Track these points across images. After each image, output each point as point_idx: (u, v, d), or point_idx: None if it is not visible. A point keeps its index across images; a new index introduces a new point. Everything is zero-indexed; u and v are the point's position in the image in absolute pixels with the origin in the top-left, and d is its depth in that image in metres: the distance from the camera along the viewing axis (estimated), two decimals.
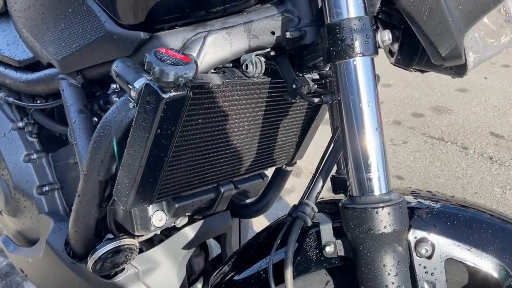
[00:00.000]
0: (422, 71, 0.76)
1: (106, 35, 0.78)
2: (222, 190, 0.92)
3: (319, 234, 0.66)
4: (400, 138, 2.87)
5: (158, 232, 0.97)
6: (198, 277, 1.13)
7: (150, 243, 1.01)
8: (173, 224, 0.96)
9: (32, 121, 1.09)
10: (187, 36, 0.75)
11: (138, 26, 0.75)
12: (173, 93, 0.63)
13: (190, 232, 0.97)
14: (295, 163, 1.10)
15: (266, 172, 1.07)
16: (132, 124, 0.67)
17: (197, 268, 1.09)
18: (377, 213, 0.57)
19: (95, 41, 0.81)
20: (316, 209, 0.68)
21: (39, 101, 1.06)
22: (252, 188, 1.02)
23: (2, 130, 1.10)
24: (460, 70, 0.69)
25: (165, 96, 0.62)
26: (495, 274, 0.61)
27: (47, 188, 1.04)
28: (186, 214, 0.91)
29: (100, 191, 0.81)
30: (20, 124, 1.10)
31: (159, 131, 0.66)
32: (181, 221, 0.96)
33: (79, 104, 0.89)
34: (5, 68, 1.08)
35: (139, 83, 0.66)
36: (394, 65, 0.75)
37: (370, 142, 0.59)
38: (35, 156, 1.07)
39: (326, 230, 0.65)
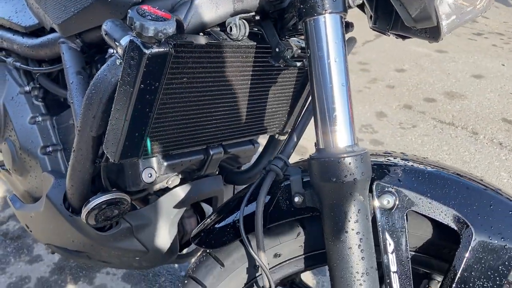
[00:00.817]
0: (401, 37, 0.78)
1: None
2: (212, 153, 0.97)
3: (290, 187, 0.69)
4: (410, 122, 2.86)
5: (151, 191, 1.02)
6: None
7: (145, 202, 1.07)
8: (166, 185, 1.01)
9: (37, 85, 1.15)
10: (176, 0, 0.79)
11: None
12: (155, 49, 0.67)
13: (181, 193, 1.02)
14: (287, 132, 1.13)
15: (260, 140, 1.11)
16: (119, 79, 0.72)
17: (190, 229, 1.14)
18: (339, 162, 0.61)
19: (91, 4, 0.85)
20: (289, 164, 0.72)
21: (44, 66, 1.12)
22: (242, 153, 1.06)
23: (10, 93, 1.17)
24: (434, 34, 0.71)
25: (147, 51, 0.66)
26: (454, 226, 0.64)
27: (50, 148, 1.10)
28: (176, 173, 0.96)
29: (94, 147, 0.86)
30: (27, 88, 1.16)
31: (142, 85, 0.70)
32: (173, 181, 1.01)
33: (77, 66, 0.94)
34: (14, 34, 1.14)
35: (124, 40, 0.70)
36: (372, 29, 0.77)
37: (336, 97, 0.62)
38: (40, 118, 1.13)
39: (296, 182, 0.68)
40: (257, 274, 0.76)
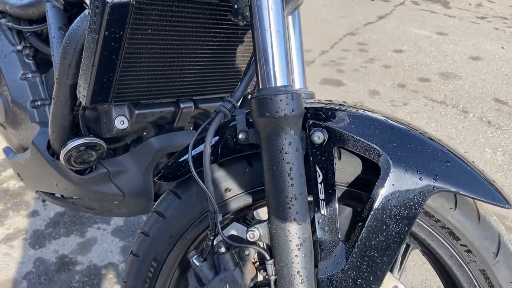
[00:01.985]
0: None
1: None
2: (182, 106, 1.05)
3: (236, 126, 0.77)
4: (401, 100, 2.91)
5: (128, 141, 1.11)
6: None
7: (125, 152, 1.15)
8: (141, 136, 1.10)
9: (28, 44, 1.24)
10: None
11: None
12: None
13: (155, 143, 1.10)
14: None
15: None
16: (87, 28, 0.80)
17: None
18: (271, 99, 0.68)
19: None
20: (237, 106, 0.80)
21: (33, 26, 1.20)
22: (213, 109, 1.14)
23: (4, 52, 1.26)
24: None
25: (110, 0, 0.74)
26: (376, 160, 0.71)
27: (39, 102, 1.19)
28: (149, 123, 1.04)
29: (71, 94, 0.95)
30: (19, 47, 1.24)
31: (107, 33, 0.78)
32: (148, 132, 1.10)
33: (59, 23, 1.02)
34: None
35: None
36: None
37: (274, 41, 0.70)
38: (30, 75, 1.22)
39: (241, 121, 0.76)
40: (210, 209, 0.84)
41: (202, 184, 0.75)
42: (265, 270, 0.75)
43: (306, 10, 4.55)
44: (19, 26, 1.21)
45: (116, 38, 0.80)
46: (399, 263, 0.85)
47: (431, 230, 0.75)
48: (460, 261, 0.75)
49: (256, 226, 0.75)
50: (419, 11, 4.73)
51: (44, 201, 1.34)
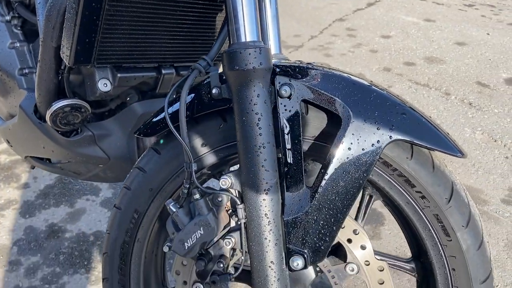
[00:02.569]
0: None
1: None
2: (163, 72, 1.09)
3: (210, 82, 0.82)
4: (386, 83, 2.97)
5: (113, 106, 1.16)
6: None
7: (108, 117, 1.20)
8: (125, 101, 1.14)
9: (16, 14, 1.27)
10: None
11: None
12: None
13: (138, 108, 1.15)
14: None
15: None
16: None
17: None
18: (240, 53, 0.73)
19: None
20: (211, 64, 0.85)
21: None
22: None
23: None
24: None
25: None
26: (339, 112, 0.77)
27: (26, 70, 1.23)
28: (131, 87, 1.09)
29: (55, 57, 0.99)
30: (7, 17, 1.28)
31: None
32: (131, 98, 1.15)
33: None
34: None
35: None
36: None
37: (243, 1, 0.74)
38: (18, 44, 1.26)
39: (214, 76, 0.81)
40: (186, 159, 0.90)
41: (178, 136, 0.80)
42: (237, 215, 0.80)
43: None
44: None
45: None
46: (363, 213, 0.91)
47: (389, 179, 0.81)
48: (416, 207, 0.81)
49: (228, 174, 0.80)
50: None
51: (33, 167, 1.38)
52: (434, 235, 0.81)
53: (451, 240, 0.81)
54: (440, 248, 0.82)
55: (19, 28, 1.28)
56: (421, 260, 0.90)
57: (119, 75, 1.02)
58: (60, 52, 0.92)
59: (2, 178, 1.86)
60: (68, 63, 0.91)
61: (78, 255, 1.51)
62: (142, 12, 0.94)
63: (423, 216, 0.81)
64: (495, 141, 2.29)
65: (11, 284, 1.39)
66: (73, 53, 0.89)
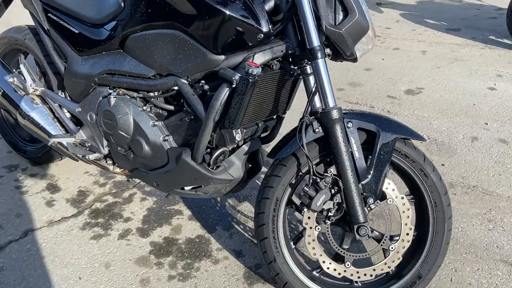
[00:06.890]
0: (340, 61, 1.79)
1: None
2: (260, 125, 1.92)
3: None
4: None
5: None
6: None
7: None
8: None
9: (152, 105, 1.99)
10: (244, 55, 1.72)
11: None
12: (251, 79, 1.60)
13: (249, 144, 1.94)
14: (286, 112, 2.10)
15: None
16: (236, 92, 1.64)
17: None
18: (329, 111, 1.60)
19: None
20: (310, 120, 1.70)
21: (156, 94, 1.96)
22: (270, 124, 2.01)
23: (135, 110, 1.99)
24: (354, 60, 1.73)
25: (251, 79, 1.59)
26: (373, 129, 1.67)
27: (167, 138, 1.95)
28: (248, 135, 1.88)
29: (211, 130, 1.75)
30: (145, 108, 1.99)
31: (247, 93, 1.63)
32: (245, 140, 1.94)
33: (191, 91, 1.82)
34: (135, 79, 1.97)
35: (236, 76, 1.63)
36: (331, 59, 1.77)
37: None
38: (156, 123, 1.97)
39: (316, 123, 1.67)
40: (301, 168, 1.72)
41: (306, 152, 1.63)
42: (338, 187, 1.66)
43: None
44: (146, 95, 1.96)
45: (247, 95, 1.64)
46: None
47: (402, 159, 1.72)
48: (412, 167, 1.73)
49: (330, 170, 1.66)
50: None
51: (168, 196, 2.06)
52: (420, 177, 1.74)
53: (428, 179, 1.73)
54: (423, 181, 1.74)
55: (152, 113, 2.00)
56: (413, 191, 1.82)
57: (245, 130, 1.82)
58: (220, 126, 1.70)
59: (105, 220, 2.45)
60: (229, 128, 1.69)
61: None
62: (258, 97, 1.76)
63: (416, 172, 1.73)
64: None
65: None
66: (237, 123, 1.68)
